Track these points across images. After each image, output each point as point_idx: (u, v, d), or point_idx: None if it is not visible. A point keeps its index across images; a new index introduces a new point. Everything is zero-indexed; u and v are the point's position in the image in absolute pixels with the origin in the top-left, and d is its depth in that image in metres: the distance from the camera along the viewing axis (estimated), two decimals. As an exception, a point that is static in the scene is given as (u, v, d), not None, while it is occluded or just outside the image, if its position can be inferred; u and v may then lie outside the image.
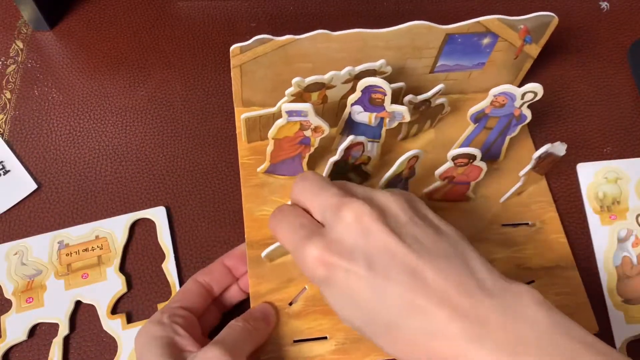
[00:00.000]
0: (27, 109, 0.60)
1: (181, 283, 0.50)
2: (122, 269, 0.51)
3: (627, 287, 0.50)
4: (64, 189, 0.55)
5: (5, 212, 0.54)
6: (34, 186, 0.55)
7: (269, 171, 0.52)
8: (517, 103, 0.49)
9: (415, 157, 0.46)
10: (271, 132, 0.48)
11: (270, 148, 0.49)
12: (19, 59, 0.63)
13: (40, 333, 0.49)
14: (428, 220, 0.39)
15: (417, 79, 0.55)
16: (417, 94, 0.51)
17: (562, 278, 0.50)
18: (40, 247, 0.52)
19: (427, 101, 0.51)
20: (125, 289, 0.50)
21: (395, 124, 0.50)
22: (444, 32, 0.50)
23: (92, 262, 0.51)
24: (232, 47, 0.47)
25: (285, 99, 0.49)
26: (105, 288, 0.50)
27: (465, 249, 0.37)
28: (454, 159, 0.46)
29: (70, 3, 0.67)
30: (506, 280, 0.36)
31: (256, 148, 0.54)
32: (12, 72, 0.62)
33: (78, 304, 0.50)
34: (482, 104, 0.50)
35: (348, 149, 0.46)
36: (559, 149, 0.47)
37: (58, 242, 0.52)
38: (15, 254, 0.51)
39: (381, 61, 0.49)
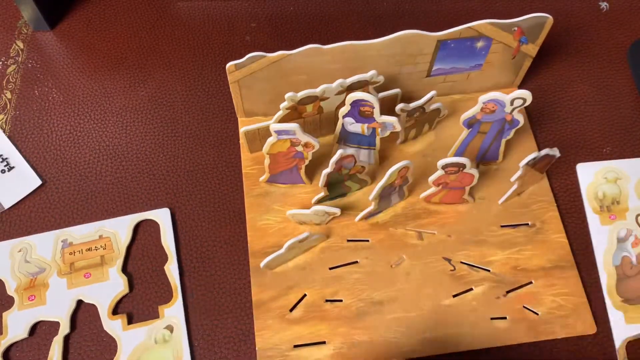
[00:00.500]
0: (28, 109, 0.60)
1: (182, 285, 0.50)
2: (125, 269, 0.51)
3: (626, 287, 0.50)
4: (67, 187, 0.55)
5: (10, 209, 0.54)
6: (38, 182, 0.55)
7: (269, 181, 0.54)
8: (507, 109, 0.50)
9: (406, 168, 0.47)
10: (265, 149, 0.49)
11: (267, 162, 0.51)
12: (20, 59, 0.63)
13: (40, 331, 0.49)
14: None
15: (415, 83, 0.56)
16: (415, 97, 0.51)
17: (561, 279, 0.50)
18: (44, 245, 0.52)
19: (420, 108, 0.51)
20: (127, 290, 0.50)
21: (387, 133, 0.51)
22: (435, 38, 0.50)
23: (95, 261, 0.51)
24: (227, 65, 0.49)
25: (280, 112, 0.50)
26: (107, 288, 0.50)
27: None
28: (444, 167, 0.47)
29: (70, 3, 0.67)
30: None
31: (259, 158, 0.55)
32: (12, 72, 0.62)
33: (79, 303, 0.50)
34: (472, 111, 0.50)
35: (339, 161, 0.47)
36: (552, 152, 0.48)
37: (62, 241, 0.52)
38: (19, 251, 0.51)
39: (372, 72, 0.49)
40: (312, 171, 0.54)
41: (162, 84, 0.62)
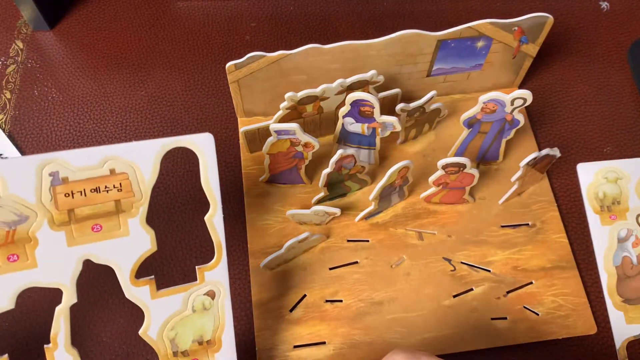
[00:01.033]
0: (27, 109, 0.60)
1: (228, 242, 0.41)
2: (150, 219, 0.38)
3: (627, 287, 0.50)
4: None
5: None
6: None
7: (269, 181, 0.54)
8: (508, 109, 0.50)
9: (406, 168, 0.47)
10: (265, 149, 0.49)
11: (267, 161, 0.51)
12: (19, 59, 0.63)
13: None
14: None
15: (415, 83, 0.56)
16: (415, 97, 0.51)
17: (561, 279, 0.50)
18: (22, 178, 0.34)
19: (420, 108, 0.51)
20: (154, 248, 0.38)
21: (387, 133, 0.51)
22: (436, 38, 0.50)
23: (106, 208, 0.36)
24: (227, 65, 0.48)
25: (280, 112, 0.50)
26: (126, 245, 0.37)
27: None
28: (444, 167, 0.47)
29: (69, 3, 0.67)
30: None
31: (259, 158, 0.55)
32: (12, 72, 0.62)
33: (88, 265, 0.37)
34: (473, 111, 0.50)
35: (339, 161, 0.48)
36: (552, 152, 0.48)
37: (50, 174, 0.35)
38: None
39: (372, 72, 0.49)
40: (312, 171, 0.53)
41: (162, 83, 0.62)
